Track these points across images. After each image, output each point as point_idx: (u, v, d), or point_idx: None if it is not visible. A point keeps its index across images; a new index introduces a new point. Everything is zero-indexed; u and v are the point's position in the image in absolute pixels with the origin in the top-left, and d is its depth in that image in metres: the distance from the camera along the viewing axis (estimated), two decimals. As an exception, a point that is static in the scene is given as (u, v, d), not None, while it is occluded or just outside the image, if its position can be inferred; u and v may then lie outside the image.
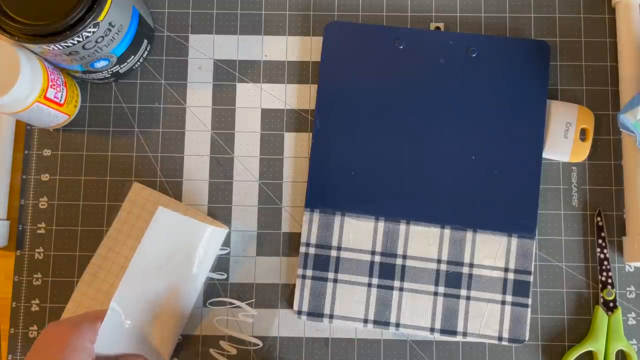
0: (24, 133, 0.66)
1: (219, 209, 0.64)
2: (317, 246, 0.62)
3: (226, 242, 0.63)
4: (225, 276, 0.63)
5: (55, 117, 0.63)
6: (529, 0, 0.67)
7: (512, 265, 0.62)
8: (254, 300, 0.63)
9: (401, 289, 0.62)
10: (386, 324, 0.61)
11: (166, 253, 0.58)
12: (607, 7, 0.67)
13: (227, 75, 0.66)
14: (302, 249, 0.62)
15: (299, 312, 0.61)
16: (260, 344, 0.62)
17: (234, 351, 0.62)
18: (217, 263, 0.63)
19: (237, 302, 0.62)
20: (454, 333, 0.61)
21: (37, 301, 0.63)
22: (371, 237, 0.62)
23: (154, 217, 0.57)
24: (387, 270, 0.62)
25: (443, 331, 0.61)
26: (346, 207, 0.63)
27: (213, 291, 0.63)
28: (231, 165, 0.65)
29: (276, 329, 0.62)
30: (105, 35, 0.57)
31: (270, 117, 0.66)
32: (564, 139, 0.63)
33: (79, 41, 0.55)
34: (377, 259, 0.62)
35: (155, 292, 0.58)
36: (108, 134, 0.66)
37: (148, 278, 0.58)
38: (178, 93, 0.66)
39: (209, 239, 0.60)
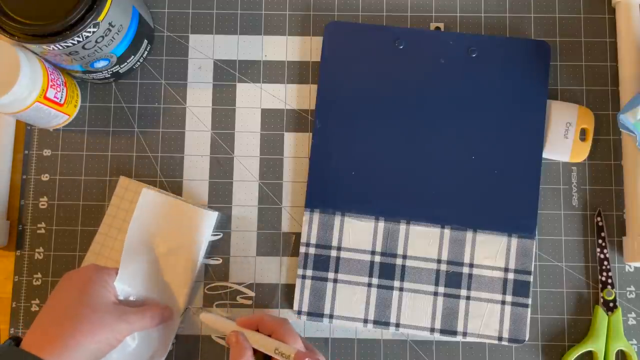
0: (24, 133, 0.65)
1: (219, 209, 0.64)
2: (317, 246, 0.62)
3: (226, 242, 0.64)
4: (220, 261, 0.63)
5: (55, 117, 0.63)
6: (529, 0, 0.67)
7: (512, 265, 0.62)
8: (253, 295, 0.63)
9: (401, 289, 0.62)
10: (386, 324, 0.61)
11: (155, 234, 0.61)
12: (607, 7, 0.67)
13: (227, 75, 0.66)
14: (302, 249, 0.62)
15: (299, 312, 0.61)
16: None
17: None
18: (211, 249, 0.63)
19: (235, 285, 0.63)
20: (454, 333, 0.61)
21: (37, 301, 0.63)
22: (371, 237, 0.62)
23: (140, 197, 0.61)
24: (387, 270, 0.62)
25: (443, 331, 0.61)
26: (346, 207, 0.63)
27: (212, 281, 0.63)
28: (231, 165, 0.65)
29: (276, 329, 0.62)
30: (105, 35, 0.57)
31: (270, 117, 0.66)
32: (564, 139, 0.63)
33: (79, 41, 0.55)
34: (377, 259, 0.62)
35: (154, 269, 0.61)
36: (108, 134, 0.66)
37: (143, 256, 0.60)
38: (178, 93, 0.66)
39: (195, 218, 0.61)
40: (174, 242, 0.61)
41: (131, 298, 0.59)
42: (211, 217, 0.62)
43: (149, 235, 0.61)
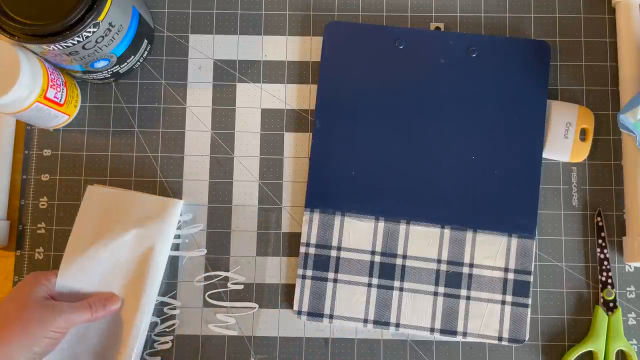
0: (24, 133, 0.66)
1: (219, 209, 0.64)
2: (317, 246, 0.62)
3: (226, 242, 0.64)
4: (205, 252, 0.63)
5: (55, 117, 0.63)
6: (529, 0, 0.67)
7: (512, 265, 0.62)
8: (243, 279, 0.63)
9: (401, 289, 0.62)
10: (386, 324, 0.61)
11: (103, 228, 0.60)
12: (607, 7, 0.67)
13: (227, 75, 0.66)
14: (302, 249, 0.62)
15: (299, 312, 0.61)
16: (256, 306, 0.62)
17: (232, 321, 0.62)
18: (195, 240, 0.63)
19: (224, 273, 0.63)
20: (454, 333, 0.61)
21: (37, 301, 0.63)
22: (371, 237, 0.62)
23: (85, 195, 0.61)
24: (387, 270, 0.62)
25: (443, 331, 0.61)
26: (346, 207, 0.63)
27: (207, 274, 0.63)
28: (231, 165, 0.65)
29: (276, 329, 0.62)
30: (105, 35, 0.57)
31: (270, 117, 0.66)
32: (564, 139, 0.63)
33: (79, 41, 0.55)
34: (377, 259, 0.62)
35: (109, 265, 0.59)
36: (108, 134, 0.66)
37: (89, 256, 0.59)
38: (178, 93, 0.66)
39: (155, 209, 0.60)
40: (134, 235, 0.60)
41: (78, 294, 0.59)
42: (175, 206, 0.61)
43: (99, 233, 0.60)
